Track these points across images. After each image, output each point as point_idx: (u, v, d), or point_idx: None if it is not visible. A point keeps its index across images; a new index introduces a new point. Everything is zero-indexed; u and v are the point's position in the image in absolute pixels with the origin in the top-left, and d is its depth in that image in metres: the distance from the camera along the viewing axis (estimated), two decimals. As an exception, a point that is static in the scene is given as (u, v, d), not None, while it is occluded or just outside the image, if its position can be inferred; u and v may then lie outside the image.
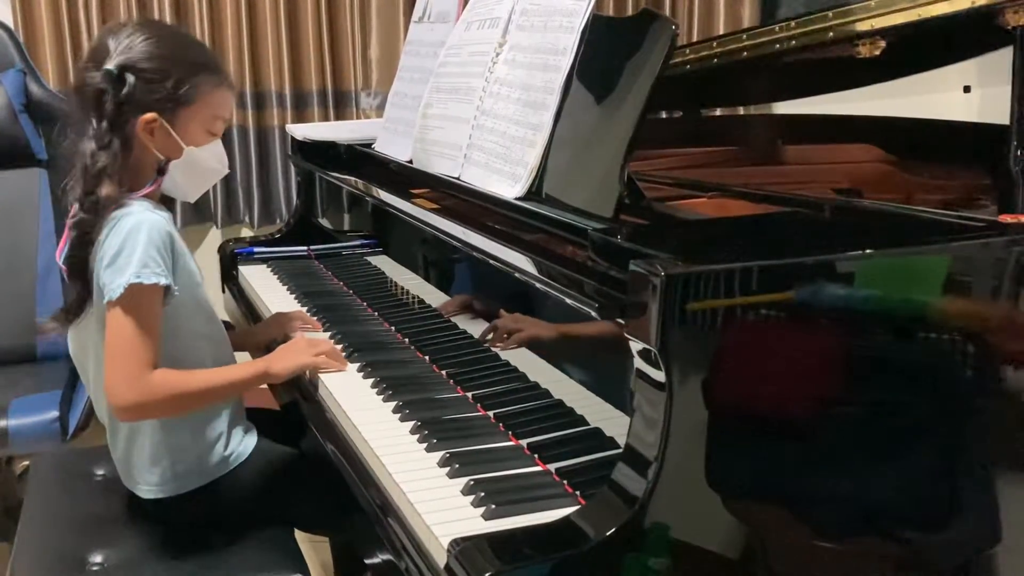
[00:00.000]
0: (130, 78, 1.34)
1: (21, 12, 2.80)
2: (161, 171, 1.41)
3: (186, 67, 1.37)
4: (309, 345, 1.48)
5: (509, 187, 1.35)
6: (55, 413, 2.08)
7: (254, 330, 1.78)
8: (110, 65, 1.34)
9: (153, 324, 1.30)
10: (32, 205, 2.46)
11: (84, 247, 1.32)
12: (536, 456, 1.15)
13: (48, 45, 2.82)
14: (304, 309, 1.79)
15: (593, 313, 1.03)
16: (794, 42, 1.53)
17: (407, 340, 1.58)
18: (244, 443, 1.47)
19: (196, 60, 1.40)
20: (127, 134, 1.35)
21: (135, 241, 1.28)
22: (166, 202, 1.49)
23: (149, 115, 1.35)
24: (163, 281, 1.29)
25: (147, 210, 1.33)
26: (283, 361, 1.45)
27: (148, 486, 1.42)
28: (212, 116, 1.42)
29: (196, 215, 2.98)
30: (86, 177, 1.32)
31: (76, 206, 1.34)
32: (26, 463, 2.11)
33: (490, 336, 1.39)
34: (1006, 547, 1.14)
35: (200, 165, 1.44)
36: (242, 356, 1.58)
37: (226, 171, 1.51)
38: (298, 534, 1.50)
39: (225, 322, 1.68)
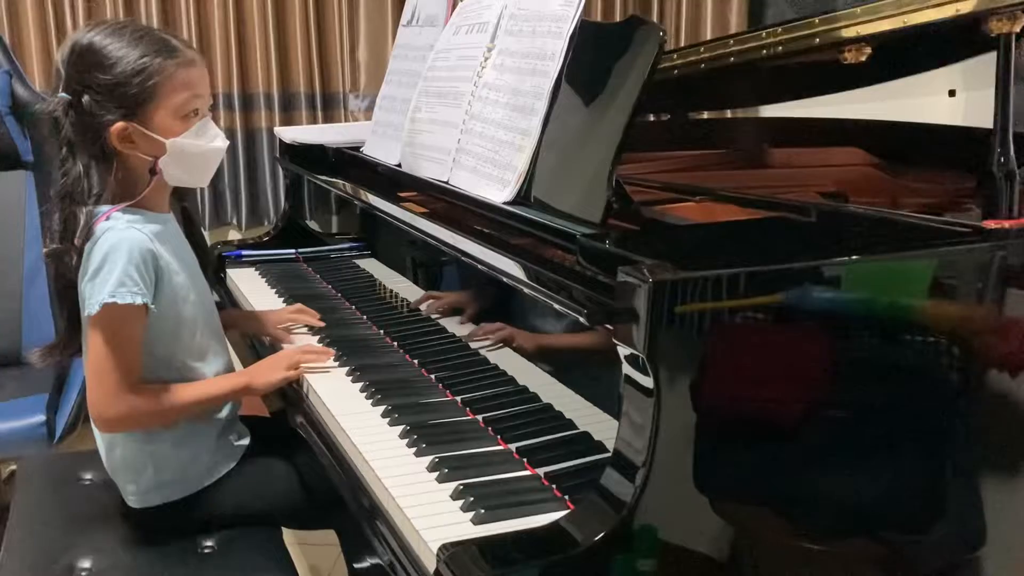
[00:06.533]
0: (85, 98, 1.30)
1: (7, 13, 2.79)
2: (152, 171, 1.37)
3: (136, 63, 1.30)
4: (288, 358, 1.47)
5: (497, 191, 1.36)
6: (42, 417, 2.07)
7: (248, 318, 1.74)
8: (63, 91, 1.32)
9: (131, 341, 1.31)
10: (18, 207, 2.45)
11: (64, 277, 1.32)
12: (525, 460, 1.16)
13: (34, 47, 2.82)
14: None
15: (581, 319, 1.04)
16: (780, 48, 1.53)
17: (396, 344, 1.59)
18: (232, 452, 1.47)
19: (145, 52, 1.31)
20: (104, 150, 1.33)
21: (115, 259, 1.28)
22: (179, 198, 1.48)
23: (118, 125, 1.31)
24: (139, 300, 1.29)
25: (130, 226, 1.32)
26: (264, 376, 1.45)
27: (133, 495, 1.42)
28: (183, 100, 1.34)
29: (183, 217, 2.98)
30: (57, 205, 1.32)
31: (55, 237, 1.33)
32: (13, 467, 2.10)
33: (476, 338, 1.40)
34: (991, 551, 1.15)
35: (189, 152, 1.36)
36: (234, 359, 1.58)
37: (225, 144, 1.42)
38: (286, 535, 1.50)
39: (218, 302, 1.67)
